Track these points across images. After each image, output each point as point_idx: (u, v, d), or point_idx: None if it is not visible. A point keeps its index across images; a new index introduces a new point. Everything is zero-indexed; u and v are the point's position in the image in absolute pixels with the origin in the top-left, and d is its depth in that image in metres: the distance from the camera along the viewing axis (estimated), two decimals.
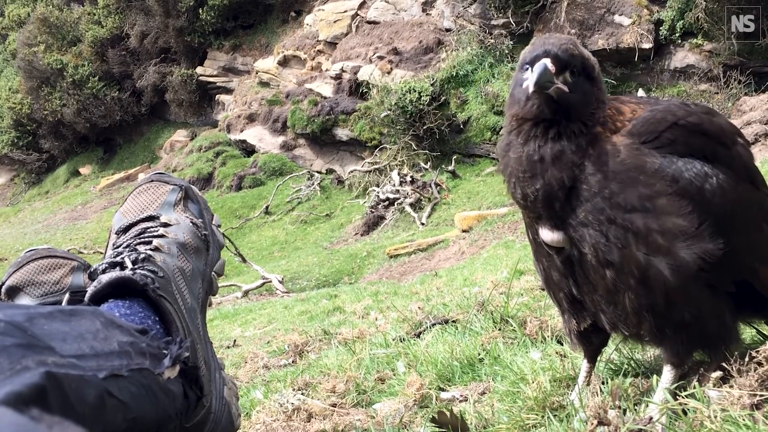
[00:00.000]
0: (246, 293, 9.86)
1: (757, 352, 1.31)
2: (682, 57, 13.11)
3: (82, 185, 25.46)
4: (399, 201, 14.15)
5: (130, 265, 1.24)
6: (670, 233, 1.25)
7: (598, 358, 1.57)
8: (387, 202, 14.44)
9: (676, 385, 1.33)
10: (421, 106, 15.09)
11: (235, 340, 4.21)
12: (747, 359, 1.32)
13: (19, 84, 26.67)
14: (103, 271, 1.24)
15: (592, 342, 1.49)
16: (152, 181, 1.51)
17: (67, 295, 1.34)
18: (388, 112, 15.49)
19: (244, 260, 11.13)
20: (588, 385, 1.50)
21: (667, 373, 1.34)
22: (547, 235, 1.35)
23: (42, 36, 25.55)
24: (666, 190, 1.26)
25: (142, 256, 1.26)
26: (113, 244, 1.36)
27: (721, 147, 1.33)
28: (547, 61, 1.30)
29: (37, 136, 26.82)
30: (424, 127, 15.30)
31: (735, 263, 1.30)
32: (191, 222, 1.44)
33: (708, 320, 1.31)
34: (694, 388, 1.24)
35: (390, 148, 16.16)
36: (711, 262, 1.25)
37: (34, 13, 26.90)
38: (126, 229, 1.38)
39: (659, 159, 1.28)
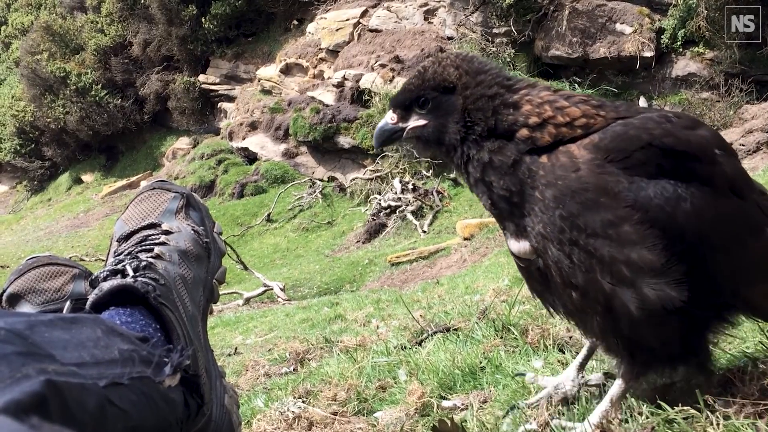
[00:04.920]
0: (247, 301, 9.84)
1: (761, 362, 1.30)
2: (684, 65, 13.12)
3: (84, 193, 25.48)
4: (401, 209, 14.14)
5: (131, 273, 1.24)
6: (636, 266, 1.15)
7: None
8: (389, 210, 14.44)
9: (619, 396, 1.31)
10: None
11: (236, 348, 4.20)
12: (750, 368, 1.31)
13: (22, 92, 26.74)
14: (105, 279, 1.24)
15: None
16: (154, 188, 1.51)
17: (68, 303, 1.34)
18: None
19: (245, 268, 11.12)
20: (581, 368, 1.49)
21: (617, 386, 1.31)
22: (514, 245, 1.33)
23: (45, 44, 25.64)
24: (631, 217, 1.15)
25: (144, 263, 1.26)
26: (115, 252, 1.36)
27: (700, 164, 1.22)
28: (385, 120, 1.34)
29: (39, 144, 26.87)
30: None
31: (713, 290, 1.21)
32: (192, 230, 1.44)
33: (675, 343, 1.24)
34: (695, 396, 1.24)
35: (392, 156, 16.16)
36: (677, 306, 1.16)
37: (37, 22, 26.99)
38: (127, 237, 1.38)
39: (626, 181, 1.16)
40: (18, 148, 27.02)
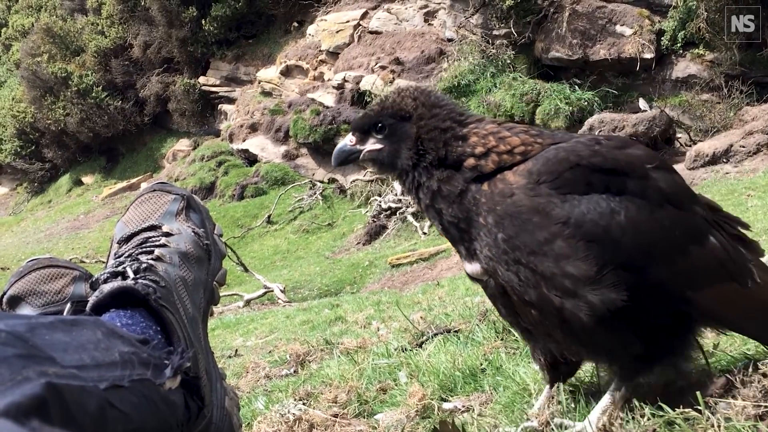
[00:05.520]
0: (248, 302, 9.84)
1: (763, 364, 1.30)
2: (684, 67, 13.12)
3: (84, 194, 25.48)
4: (401, 210, 14.14)
5: (131, 275, 1.23)
6: (574, 277, 1.21)
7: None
8: (389, 212, 14.44)
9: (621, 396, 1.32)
10: None
11: (236, 350, 4.20)
12: (751, 370, 1.31)
13: (23, 93, 26.74)
14: (105, 281, 1.24)
15: (557, 369, 1.49)
16: (154, 190, 1.51)
17: (69, 305, 1.34)
18: None
19: (246, 269, 11.12)
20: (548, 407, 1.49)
21: (615, 386, 1.34)
22: (468, 266, 1.40)
23: (46, 46, 25.65)
24: (562, 233, 1.22)
25: (144, 265, 1.26)
26: (115, 254, 1.36)
27: (630, 179, 1.27)
28: (344, 141, 1.45)
29: (40, 146, 26.88)
30: None
31: (662, 296, 1.25)
32: (193, 231, 1.44)
33: (636, 346, 1.27)
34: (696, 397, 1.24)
35: None
36: (621, 306, 1.20)
37: (38, 23, 27.00)
38: (128, 239, 1.38)
39: (557, 200, 1.23)
40: (18, 149, 27.02)
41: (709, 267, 1.30)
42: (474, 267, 1.38)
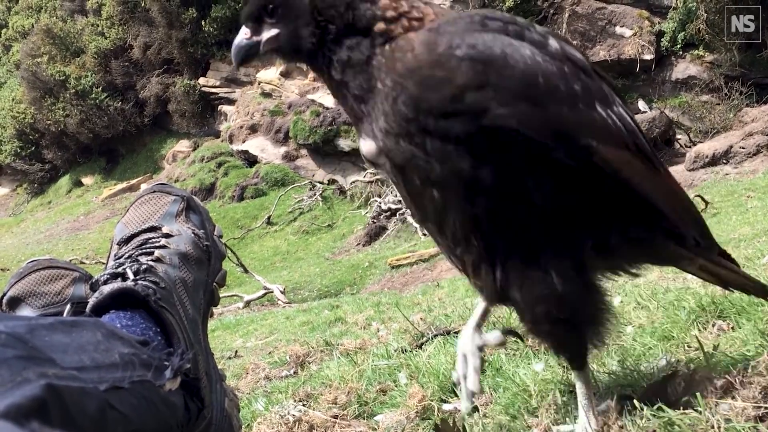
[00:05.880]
0: (248, 303, 9.84)
1: (763, 365, 1.30)
2: (684, 68, 13.14)
3: (84, 195, 25.50)
4: (401, 211, 14.14)
5: (131, 276, 1.23)
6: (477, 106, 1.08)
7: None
8: (389, 213, 14.44)
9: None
10: None
11: (236, 351, 4.19)
12: (750, 371, 1.31)
13: (23, 94, 26.77)
14: (105, 282, 1.24)
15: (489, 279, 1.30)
16: (154, 191, 1.51)
17: (68, 306, 1.34)
18: None
19: (245, 270, 11.12)
20: (479, 328, 1.39)
21: (578, 379, 1.29)
22: (363, 146, 1.24)
23: (46, 47, 25.68)
24: (470, 71, 1.08)
25: (144, 267, 1.26)
26: (115, 255, 1.36)
27: (530, 32, 1.17)
28: (239, 36, 1.24)
29: (40, 147, 26.91)
30: None
31: (565, 135, 1.13)
32: (193, 233, 1.44)
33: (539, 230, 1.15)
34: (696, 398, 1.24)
35: None
36: (531, 127, 1.09)
37: (38, 25, 27.05)
38: (128, 240, 1.38)
39: (459, 38, 1.10)
40: (18, 150, 27.05)
41: (617, 132, 1.19)
42: (368, 145, 1.22)
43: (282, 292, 10.09)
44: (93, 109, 24.88)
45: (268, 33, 1.23)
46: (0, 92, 30.03)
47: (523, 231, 1.17)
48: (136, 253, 1.33)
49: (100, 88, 25.19)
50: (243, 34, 1.24)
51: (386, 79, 1.13)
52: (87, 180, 26.58)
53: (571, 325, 1.24)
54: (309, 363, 2.85)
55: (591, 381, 1.29)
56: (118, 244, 1.39)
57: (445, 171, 1.12)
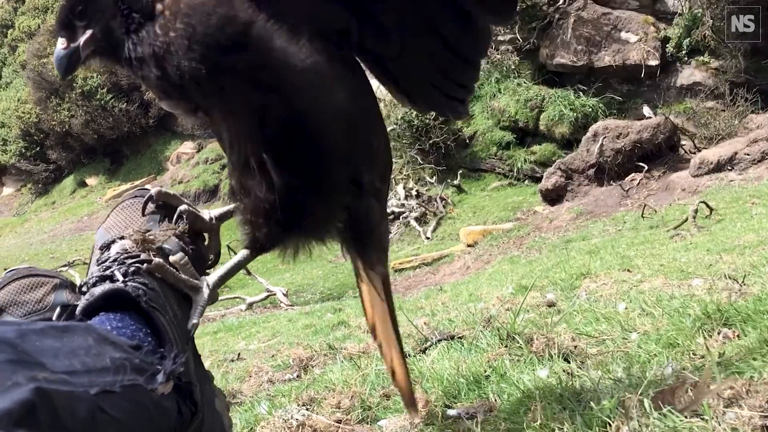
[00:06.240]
0: (250, 306, 9.83)
1: (764, 371, 1.30)
2: (689, 74, 13.12)
3: (88, 196, 25.54)
4: (404, 215, 14.14)
5: (121, 278, 1.24)
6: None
7: None
8: (392, 216, 14.43)
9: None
10: (427, 121, 15.11)
11: (239, 354, 4.19)
12: (757, 380, 1.30)
13: (28, 95, 26.84)
14: (94, 285, 1.24)
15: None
16: (135, 197, 1.53)
17: (58, 310, 1.34)
18: (395, 126, 15.52)
19: (248, 273, 11.11)
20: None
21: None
22: (171, 106, 1.29)
23: (52, 47, 25.64)
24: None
25: (132, 269, 1.27)
26: (98, 260, 1.36)
27: None
28: (57, 48, 1.23)
29: (44, 147, 26.96)
30: (430, 142, 15.32)
31: None
32: (176, 236, 1.44)
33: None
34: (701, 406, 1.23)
35: (396, 162, 16.17)
36: None
37: (44, 25, 27.12)
38: (109, 245, 1.38)
39: None
40: (23, 150, 27.11)
41: None
42: (175, 105, 1.24)
43: (285, 295, 10.08)
44: (98, 110, 24.93)
45: (83, 36, 1.20)
46: (5, 92, 30.11)
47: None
48: (122, 256, 1.33)
49: (105, 89, 25.24)
50: (60, 45, 1.22)
51: (177, 23, 1.12)
52: (91, 180, 26.63)
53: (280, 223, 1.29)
54: (312, 366, 2.85)
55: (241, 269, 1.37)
56: (100, 249, 1.39)
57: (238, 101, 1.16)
